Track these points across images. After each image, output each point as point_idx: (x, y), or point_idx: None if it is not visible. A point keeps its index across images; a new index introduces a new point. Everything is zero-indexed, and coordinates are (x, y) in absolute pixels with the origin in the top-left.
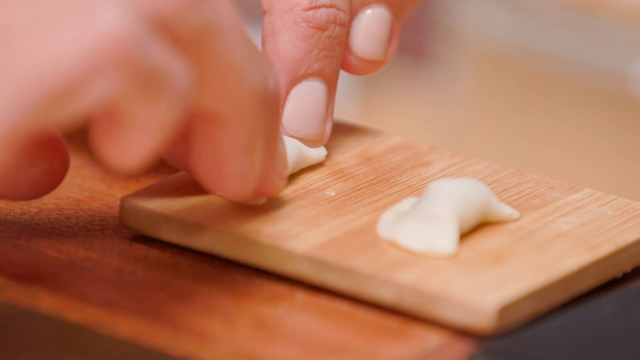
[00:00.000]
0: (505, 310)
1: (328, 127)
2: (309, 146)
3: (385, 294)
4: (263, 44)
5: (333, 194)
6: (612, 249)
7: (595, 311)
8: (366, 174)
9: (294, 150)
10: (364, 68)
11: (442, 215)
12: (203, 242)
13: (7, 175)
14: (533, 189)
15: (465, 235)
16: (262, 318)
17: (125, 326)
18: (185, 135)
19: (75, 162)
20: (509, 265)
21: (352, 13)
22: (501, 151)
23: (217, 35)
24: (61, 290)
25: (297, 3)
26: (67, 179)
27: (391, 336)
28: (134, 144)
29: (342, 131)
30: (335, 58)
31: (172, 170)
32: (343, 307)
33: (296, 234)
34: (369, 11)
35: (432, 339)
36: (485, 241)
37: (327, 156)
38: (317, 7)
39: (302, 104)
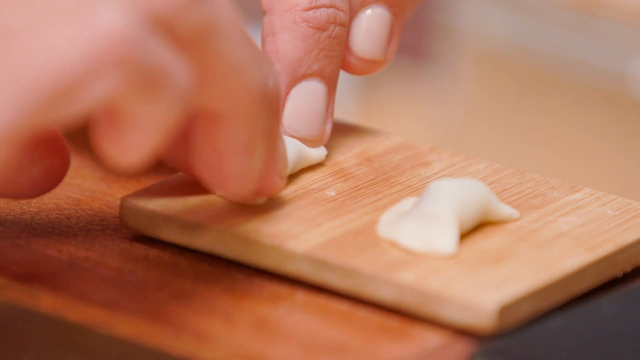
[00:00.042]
0: (505, 310)
1: (328, 127)
2: (309, 146)
3: (385, 294)
4: (263, 44)
5: (333, 194)
6: (612, 248)
7: (595, 311)
8: (366, 173)
9: (294, 150)
10: (364, 68)
11: (442, 215)
12: (203, 242)
13: (7, 174)
14: (533, 188)
15: (465, 235)
16: (262, 318)
17: (126, 326)
18: (184, 136)
19: (76, 162)
20: (509, 265)
21: (352, 13)
22: (501, 151)
23: (218, 34)
24: (61, 290)
25: (296, 3)
26: (68, 179)
27: (391, 336)
28: (134, 143)
29: (342, 131)
30: (335, 58)
31: (172, 170)
32: (343, 307)
33: (296, 234)
34: (368, 11)
35: (432, 339)
36: (485, 241)
37: (327, 156)
38: (316, 7)
39: (302, 104)
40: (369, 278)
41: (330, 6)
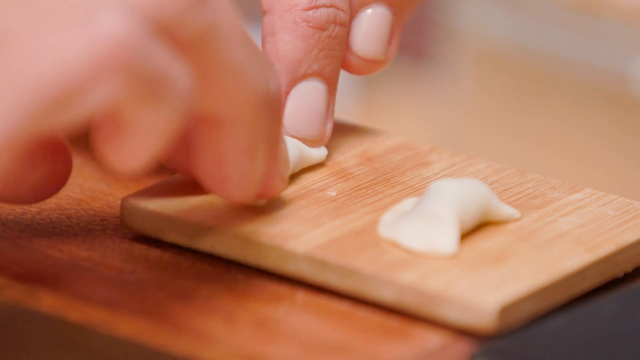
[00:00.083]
0: (506, 310)
1: (329, 127)
2: (309, 146)
3: (386, 294)
4: (263, 44)
5: (334, 194)
6: (613, 248)
7: (596, 311)
8: (367, 174)
9: (294, 150)
10: (364, 68)
11: (443, 215)
12: (204, 242)
13: (9, 179)
14: (534, 188)
15: (466, 235)
16: (262, 318)
17: (126, 326)
18: (185, 139)
19: (77, 162)
20: (509, 265)
21: (352, 13)
22: (501, 151)
23: (219, 38)
24: (62, 290)
25: (296, 3)
26: (69, 179)
27: (392, 336)
28: (135, 148)
29: (342, 131)
30: (335, 58)
31: (173, 171)
32: (344, 307)
33: (297, 234)
34: (369, 11)
35: (432, 339)
36: (486, 241)
37: (328, 156)
38: (316, 7)
39: (302, 104)
40: (369, 278)
41: (330, 6)
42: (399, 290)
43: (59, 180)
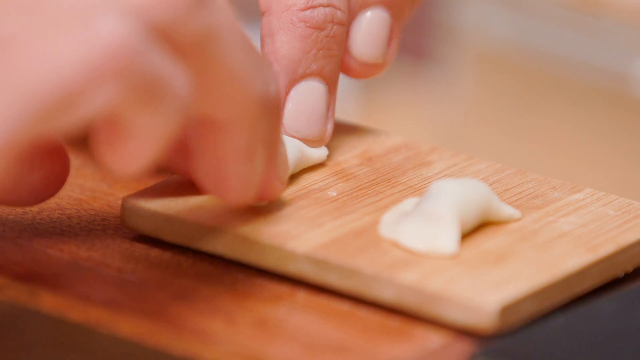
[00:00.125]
0: (506, 310)
1: (329, 127)
2: (310, 146)
3: (386, 294)
4: (262, 45)
5: (334, 194)
6: (613, 249)
7: (596, 311)
8: (367, 174)
9: (295, 150)
10: (363, 71)
11: (444, 216)
12: (204, 242)
13: (8, 182)
14: (534, 189)
15: (466, 235)
16: (263, 318)
17: (127, 326)
18: (184, 142)
19: (77, 162)
20: (510, 265)
21: (351, 16)
22: (502, 151)
23: (217, 41)
24: (62, 290)
25: (293, 3)
26: (69, 179)
27: (392, 336)
28: (134, 152)
29: (343, 131)
30: (334, 57)
31: (172, 173)
32: (344, 307)
33: (298, 234)
34: (368, 14)
35: (433, 339)
36: (486, 241)
37: (329, 156)
38: (313, 7)
39: (302, 104)
40: (370, 278)
41: (328, 5)
42: (400, 290)
43: (56, 182)
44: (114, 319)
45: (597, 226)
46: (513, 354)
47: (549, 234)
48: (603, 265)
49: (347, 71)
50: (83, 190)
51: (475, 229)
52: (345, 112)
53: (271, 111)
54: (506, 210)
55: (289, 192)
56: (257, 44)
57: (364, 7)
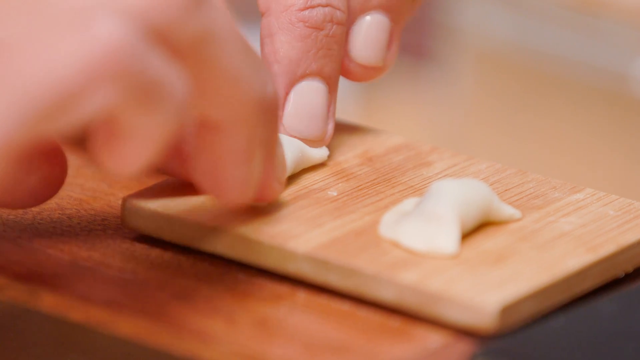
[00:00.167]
0: (506, 310)
1: (330, 127)
2: (311, 146)
3: (387, 294)
4: (261, 46)
5: (335, 194)
6: (613, 249)
7: (596, 311)
8: (368, 174)
9: (295, 150)
10: (363, 74)
11: (444, 216)
12: (205, 242)
13: (6, 184)
14: (535, 189)
15: (467, 235)
16: (263, 318)
17: (127, 326)
18: (180, 147)
19: (77, 162)
20: (510, 265)
21: (351, 20)
22: (502, 151)
23: (214, 43)
24: (63, 290)
25: (292, 3)
26: (69, 179)
27: (393, 336)
28: (131, 154)
29: (343, 131)
30: (333, 57)
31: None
32: (345, 307)
33: (298, 234)
34: (367, 18)
35: (433, 339)
36: (487, 241)
37: (329, 156)
38: (312, 7)
39: (302, 104)
40: (370, 278)
41: (326, 5)
42: (400, 290)
43: (54, 184)
44: (114, 319)
45: (597, 226)
46: (513, 354)
47: (549, 234)
48: (603, 265)
49: (348, 74)
50: (83, 190)
51: (475, 229)
52: (346, 112)
53: (269, 112)
54: (507, 210)
55: (290, 192)
56: (256, 45)
57: (363, 11)
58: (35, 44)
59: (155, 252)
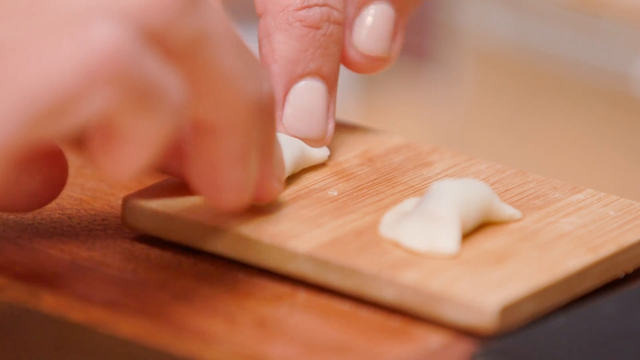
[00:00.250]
0: (507, 310)
1: (330, 127)
2: (311, 146)
3: (387, 294)
4: (259, 46)
5: (335, 193)
6: (614, 249)
7: (597, 311)
8: (368, 174)
9: (296, 150)
10: (369, 66)
11: (445, 216)
12: (205, 241)
13: (7, 188)
14: (535, 189)
15: (467, 235)
16: (263, 318)
17: (127, 326)
18: (180, 146)
19: (77, 163)
20: (511, 265)
21: (355, 11)
22: (503, 151)
23: (209, 45)
24: (63, 290)
25: (289, 3)
26: (69, 179)
27: (393, 336)
28: (128, 157)
29: (344, 131)
30: (331, 56)
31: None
32: (345, 307)
33: (298, 234)
34: (371, 8)
35: (434, 339)
36: (487, 241)
37: (330, 156)
38: (309, 7)
39: (302, 103)
40: (371, 278)
41: (323, 5)
42: (400, 290)
43: (55, 187)
44: (114, 319)
45: (597, 227)
46: (513, 354)
47: (549, 235)
48: (604, 265)
49: (353, 66)
50: (83, 190)
51: (476, 229)
52: (346, 112)
53: (265, 112)
54: (507, 210)
55: (290, 192)
56: (254, 46)
57: (367, 2)
58: (32, 47)
59: (155, 252)
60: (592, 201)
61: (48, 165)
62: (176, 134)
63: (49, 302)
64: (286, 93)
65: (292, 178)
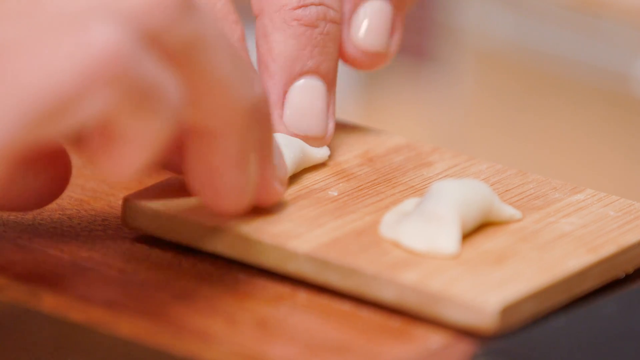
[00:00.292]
0: (507, 310)
1: (331, 125)
2: (313, 145)
3: (387, 294)
4: (257, 47)
5: (335, 194)
6: (614, 249)
7: (597, 312)
8: (368, 174)
9: (296, 150)
10: (368, 62)
11: (445, 216)
12: (205, 241)
13: (11, 187)
14: (535, 189)
15: (467, 235)
16: (264, 318)
17: (127, 326)
18: (182, 143)
19: (78, 163)
20: (511, 265)
21: (353, 7)
22: (503, 151)
23: (205, 48)
24: (63, 290)
25: (285, 3)
26: (70, 179)
27: (393, 336)
28: (127, 158)
29: (344, 131)
30: (329, 55)
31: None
32: (345, 307)
33: (298, 234)
34: (369, 5)
35: (434, 339)
36: (487, 241)
37: (330, 156)
38: (305, 6)
39: (301, 102)
40: (371, 278)
41: (319, 4)
42: (401, 291)
43: (59, 186)
44: (114, 319)
45: (597, 227)
46: (514, 355)
47: (549, 235)
48: (604, 266)
49: (352, 62)
50: (84, 190)
51: (476, 229)
52: (346, 112)
53: (260, 114)
54: (507, 210)
55: (290, 192)
56: (252, 45)
57: None
58: (32, 47)
59: (155, 253)
60: (593, 201)
61: (52, 163)
62: (175, 133)
63: (49, 302)
64: (285, 92)
65: (292, 178)
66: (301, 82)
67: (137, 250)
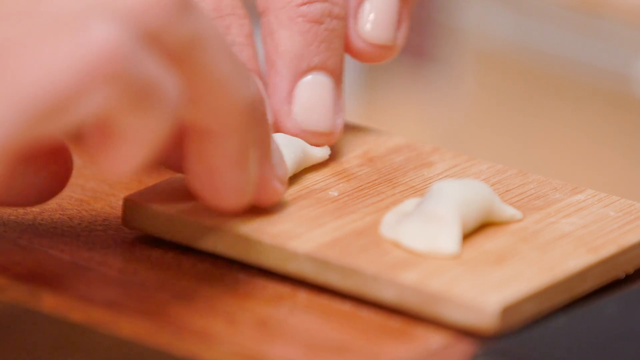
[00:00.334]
0: (507, 310)
1: (339, 121)
2: (321, 141)
3: (387, 294)
4: (263, 44)
5: (336, 194)
6: (614, 250)
7: (597, 312)
8: (369, 174)
9: (297, 149)
10: (375, 54)
11: (445, 216)
12: (205, 241)
13: (12, 183)
14: (536, 189)
15: (468, 235)
16: (264, 318)
17: (128, 326)
18: (181, 141)
19: (78, 163)
20: (511, 265)
21: (359, 0)
22: (503, 152)
23: (203, 47)
24: (64, 291)
25: (290, 0)
26: (70, 179)
27: (394, 336)
28: (125, 155)
29: (345, 131)
30: (335, 50)
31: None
32: (345, 307)
33: (299, 234)
34: None
35: (434, 339)
36: (488, 242)
37: (330, 156)
38: (310, 2)
39: (309, 98)
40: (371, 278)
41: (324, 0)
42: (401, 291)
43: (59, 182)
44: (115, 319)
45: (598, 227)
46: (514, 355)
47: (550, 235)
48: (604, 266)
49: (359, 55)
50: (84, 190)
51: (476, 229)
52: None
53: (257, 113)
54: (507, 211)
55: (291, 192)
56: (259, 43)
57: None
58: (31, 47)
59: (156, 253)
60: (593, 202)
61: (53, 160)
62: (174, 131)
63: (49, 302)
64: (293, 89)
65: (293, 178)
66: (309, 78)
67: (138, 251)
